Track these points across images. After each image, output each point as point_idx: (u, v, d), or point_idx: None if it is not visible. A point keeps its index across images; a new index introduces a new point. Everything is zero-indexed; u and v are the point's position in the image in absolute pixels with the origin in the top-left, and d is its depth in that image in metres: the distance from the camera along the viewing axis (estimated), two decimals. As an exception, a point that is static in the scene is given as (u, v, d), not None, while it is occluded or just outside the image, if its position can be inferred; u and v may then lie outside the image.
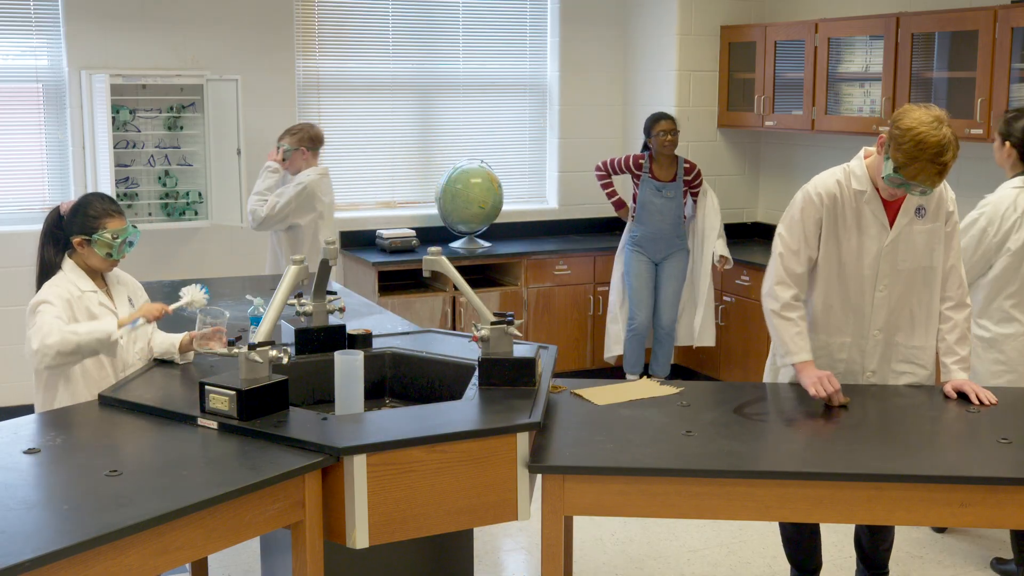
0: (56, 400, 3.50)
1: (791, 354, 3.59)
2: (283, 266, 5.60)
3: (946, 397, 3.55)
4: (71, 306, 3.45)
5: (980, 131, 5.20)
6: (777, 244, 3.67)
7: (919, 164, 3.34)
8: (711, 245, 6.25)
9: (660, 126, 6.13)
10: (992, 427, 3.27)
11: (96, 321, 3.44)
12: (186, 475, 2.72)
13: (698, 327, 6.35)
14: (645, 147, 6.33)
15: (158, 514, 2.47)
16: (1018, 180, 4.34)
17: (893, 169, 3.40)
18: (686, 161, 6.29)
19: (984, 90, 5.18)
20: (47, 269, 3.54)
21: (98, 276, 3.59)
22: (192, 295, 3.57)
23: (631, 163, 6.27)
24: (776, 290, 3.64)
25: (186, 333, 3.62)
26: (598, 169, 6.44)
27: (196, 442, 2.96)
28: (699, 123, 7.01)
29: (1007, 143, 4.37)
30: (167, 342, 3.62)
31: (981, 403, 3.47)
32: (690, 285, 6.40)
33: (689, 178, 6.24)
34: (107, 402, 3.27)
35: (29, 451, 2.87)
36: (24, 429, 3.06)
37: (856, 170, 3.58)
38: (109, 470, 2.72)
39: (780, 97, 6.50)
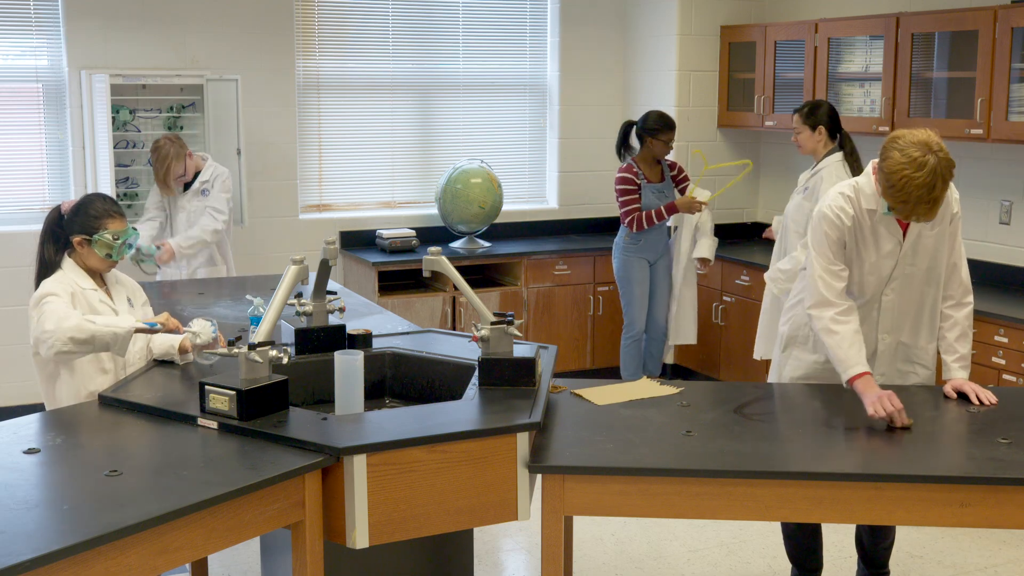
0: (58, 393, 3.51)
1: (844, 370, 3.45)
2: (230, 262, 5.87)
3: (946, 397, 3.55)
4: (74, 299, 3.46)
5: (980, 131, 5.20)
6: (815, 266, 3.57)
7: (910, 205, 3.33)
8: (696, 242, 6.17)
9: (666, 135, 5.99)
10: (992, 427, 3.27)
11: (114, 316, 3.45)
12: (186, 475, 2.71)
13: (680, 324, 6.31)
14: (624, 145, 6.15)
15: (158, 514, 2.47)
16: (838, 155, 5.05)
17: (887, 208, 3.42)
18: (669, 162, 6.23)
19: (984, 90, 5.17)
20: (46, 267, 3.54)
21: (97, 276, 3.59)
22: (200, 327, 3.56)
23: (631, 183, 6.04)
24: (817, 312, 3.54)
25: (185, 336, 3.63)
26: (639, 225, 6.01)
27: (196, 442, 2.96)
28: (699, 123, 7.00)
29: (819, 127, 5.09)
30: (167, 343, 3.62)
31: (981, 403, 3.47)
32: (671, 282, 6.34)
33: (674, 173, 6.21)
34: (107, 402, 3.27)
35: (29, 451, 2.87)
36: (24, 429, 3.06)
37: (866, 188, 3.52)
38: (109, 470, 2.72)
39: (780, 97, 6.50)
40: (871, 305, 3.64)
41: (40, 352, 3.42)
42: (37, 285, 3.52)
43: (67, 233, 3.53)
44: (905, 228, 3.56)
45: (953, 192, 3.60)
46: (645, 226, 6.02)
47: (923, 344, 3.71)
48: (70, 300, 3.44)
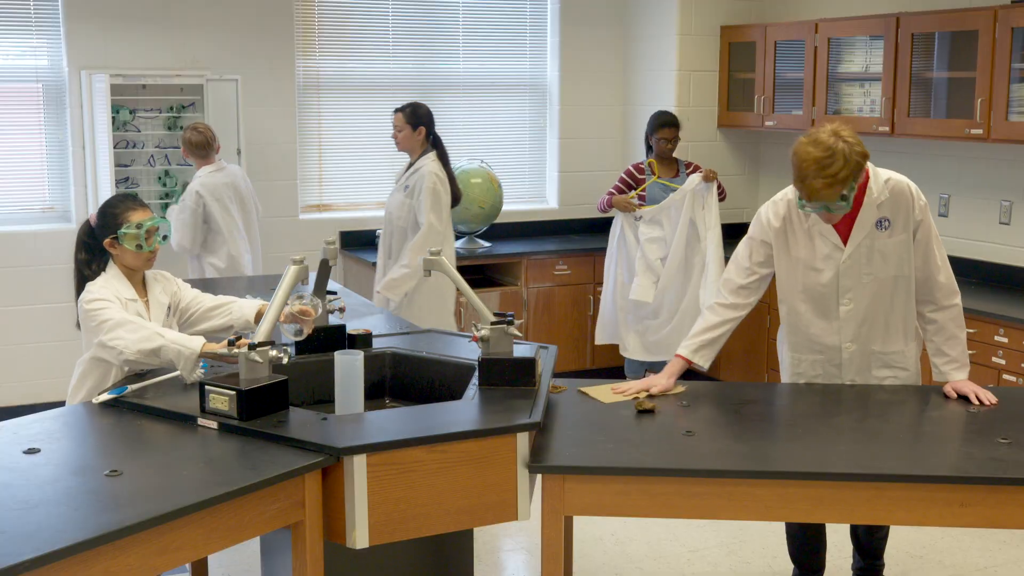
0: (92, 389, 3.45)
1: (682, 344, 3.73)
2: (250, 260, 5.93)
3: (946, 397, 3.55)
4: (120, 304, 3.38)
5: (980, 131, 5.20)
6: (733, 256, 3.77)
7: (807, 183, 3.33)
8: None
9: (662, 132, 6.11)
10: (992, 427, 3.27)
11: (186, 336, 3.35)
12: (186, 475, 2.72)
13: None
14: (648, 146, 6.30)
15: (158, 514, 2.47)
16: (433, 154, 5.47)
17: (798, 197, 3.41)
18: (686, 162, 6.29)
19: (984, 90, 5.17)
20: (83, 280, 3.46)
21: (139, 283, 3.52)
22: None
23: (631, 177, 6.20)
24: (714, 290, 3.77)
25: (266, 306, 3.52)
26: (601, 209, 6.28)
27: (196, 442, 2.96)
28: (699, 123, 7.00)
29: (420, 127, 5.47)
30: (250, 310, 3.58)
31: (981, 403, 3.47)
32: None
33: (690, 172, 6.23)
34: (107, 402, 3.27)
35: (29, 451, 2.87)
36: (24, 429, 3.06)
37: None
38: (109, 470, 2.72)
39: (780, 97, 6.50)
40: (830, 316, 3.63)
41: (104, 356, 3.35)
42: (78, 294, 3.45)
43: (99, 242, 3.47)
44: (845, 235, 3.54)
45: (918, 199, 3.53)
46: (606, 208, 6.22)
47: (898, 348, 3.67)
48: (117, 304, 3.36)
